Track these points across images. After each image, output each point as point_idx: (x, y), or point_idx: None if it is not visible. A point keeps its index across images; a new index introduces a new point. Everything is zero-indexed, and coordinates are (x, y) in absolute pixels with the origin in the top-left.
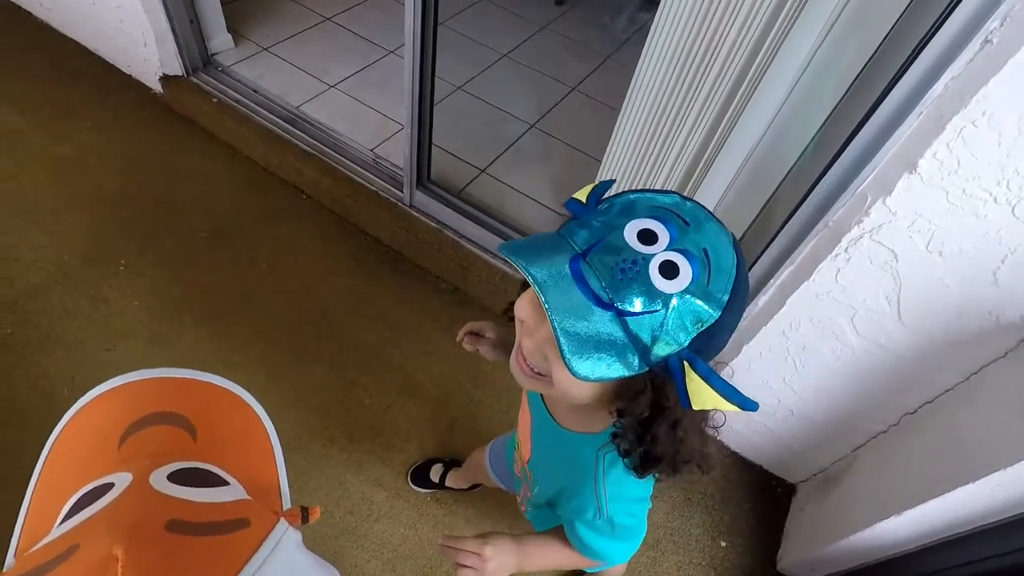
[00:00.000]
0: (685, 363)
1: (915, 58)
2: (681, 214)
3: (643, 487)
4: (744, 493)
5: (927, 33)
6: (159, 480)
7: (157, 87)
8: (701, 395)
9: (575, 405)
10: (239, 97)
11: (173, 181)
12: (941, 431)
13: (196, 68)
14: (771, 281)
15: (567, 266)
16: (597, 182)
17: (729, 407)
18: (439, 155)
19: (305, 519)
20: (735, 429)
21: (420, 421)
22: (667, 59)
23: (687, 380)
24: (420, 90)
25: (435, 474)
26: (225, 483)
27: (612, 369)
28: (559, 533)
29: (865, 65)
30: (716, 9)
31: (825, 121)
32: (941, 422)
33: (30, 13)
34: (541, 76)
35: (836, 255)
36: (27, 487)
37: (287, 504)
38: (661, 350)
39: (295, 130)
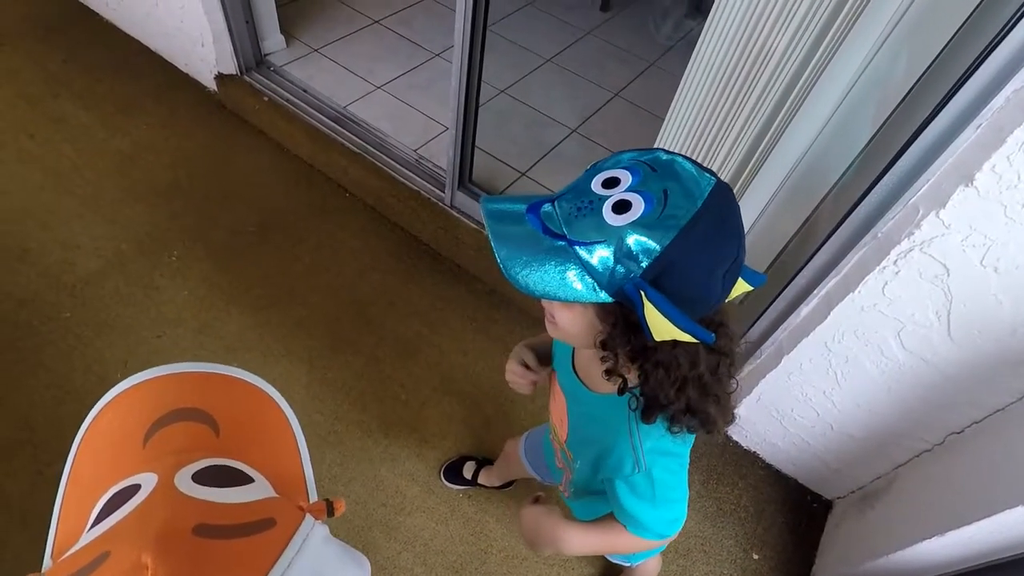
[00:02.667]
0: (642, 293)
1: (975, 69)
2: (650, 163)
3: (676, 441)
4: (779, 507)
5: (989, 44)
6: (184, 481)
7: (212, 85)
8: (658, 323)
9: (590, 357)
10: (289, 96)
11: (224, 176)
12: (989, 452)
13: (249, 68)
14: (815, 291)
15: (525, 206)
16: None
17: (686, 337)
18: (481, 157)
19: (331, 512)
20: (771, 442)
21: (455, 418)
22: (714, 68)
23: (645, 310)
24: (466, 92)
25: (468, 471)
26: (250, 480)
27: (564, 289)
28: (600, 519)
29: (921, 75)
30: (767, 19)
31: (877, 131)
32: (989, 442)
33: (96, 12)
34: (584, 81)
35: (884, 267)
36: (58, 485)
37: (313, 495)
38: (617, 278)
39: (342, 129)
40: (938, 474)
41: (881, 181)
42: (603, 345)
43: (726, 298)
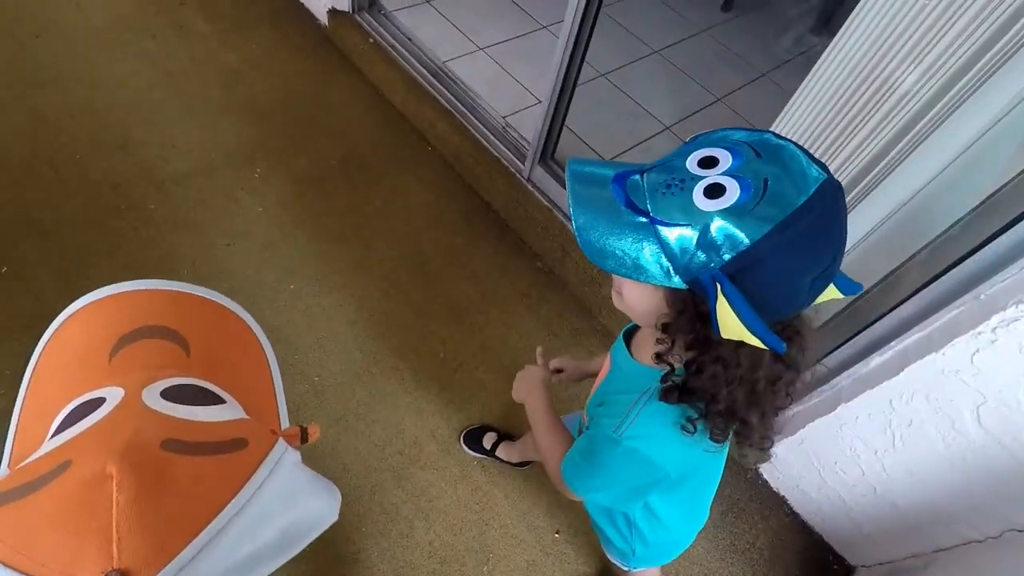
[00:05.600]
0: (718, 285)
1: None
2: (756, 145)
3: (671, 446)
4: (796, 558)
5: None
6: (153, 397)
7: (323, 19)
8: (728, 321)
9: (648, 335)
10: (393, 42)
11: (318, 107)
12: None
13: (361, 8)
14: (892, 343)
15: (612, 173)
16: None
17: (754, 341)
18: (568, 137)
19: (304, 439)
20: (803, 489)
21: (487, 387)
22: (831, 90)
23: (718, 304)
24: (567, 68)
25: (488, 441)
26: (221, 401)
27: (637, 268)
28: (565, 432)
29: None
30: (898, 51)
31: (1003, 186)
32: None
33: None
34: (689, 80)
35: (980, 333)
36: (16, 395)
37: (284, 421)
38: (695, 265)
39: (438, 84)
40: (983, 571)
41: (997, 239)
42: (664, 328)
43: (810, 304)
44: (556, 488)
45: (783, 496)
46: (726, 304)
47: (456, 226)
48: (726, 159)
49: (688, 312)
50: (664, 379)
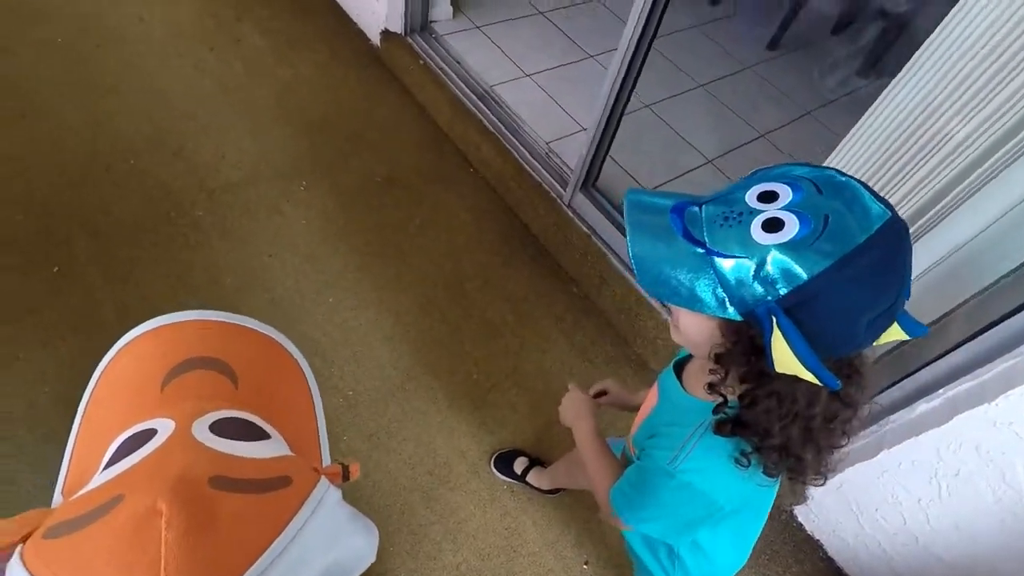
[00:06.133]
0: (773, 319)
1: None
2: (819, 181)
3: (726, 480)
4: None
5: None
6: (202, 431)
7: (376, 39)
8: (783, 355)
9: (701, 366)
10: (442, 65)
11: (366, 124)
12: None
13: (414, 30)
14: (940, 391)
15: (671, 203)
16: None
17: (809, 376)
18: (610, 166)
19: (346, 477)
20: (840, 535)
21: (519, 410)
22: (881, 138)
23: (773, 338)
24: (616, 98)
25: (519, 466)
26: (266, 435)
27: (693, 298)
28: (614, 459)
29: None
30: (950, 104)
31: None
32: None
33: None
34: (732, 115)
35: None
36: (73, 422)
37: (326, 457)
38: (751, 298)
39: (483, 107)
40: None
41: None
42: (717, 358)
43: (870, 344)
44: (603, 516)
45: (818, 540)
46: (781, 338)
47: (495, 247)
48: (786, 194)
49: (743, 344)
50: (716, 410)
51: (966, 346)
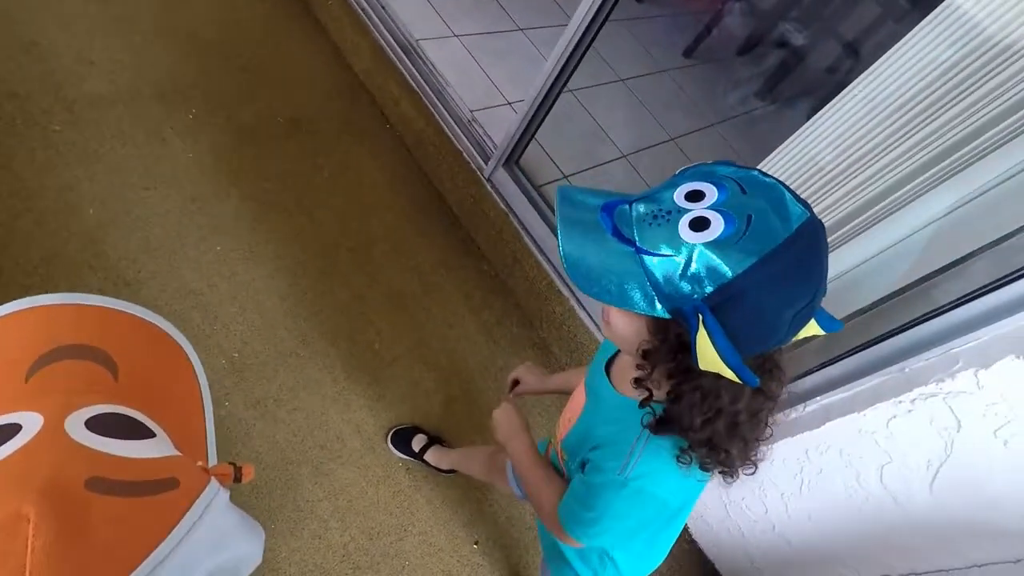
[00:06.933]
0: (699, 316)
1: None
2: (743, 181)
3: (673, 479)
4: None
5: None
6: (76, 427)
7: None
8: (707, 352)
9: (629, 362)
10: (365, 6)
11: (271, 56)
12: None
13: None
14: (818, 398)
15: (601, 202)
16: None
17: (729, 374)
18: (531, 146)
19: (238, 479)
20: (707, 520)
21: (421, 386)
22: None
23: (698, 335)
24: (556, 77)
25: (417, 444)
26: (151, 434)
27: (622, 296)
28: (555, 475)
29: (1009, 235)
30: (855, 153)
31: (943, 269)
32: None
33: None
34: (647, 114)
35: (900, 401)
36: None
37: (213, 456)
38: (678, 295)
39: (407, 60)
40: None
41: (931, 320)
42: (644, 355)
43: (791, 339)
44: (549, 530)
45: (686, 525)
46: (706, 336)
47: (407, 213)
48: (712, 193)
49: (670, 341)
50: (642, 404)
51: (845, 359)
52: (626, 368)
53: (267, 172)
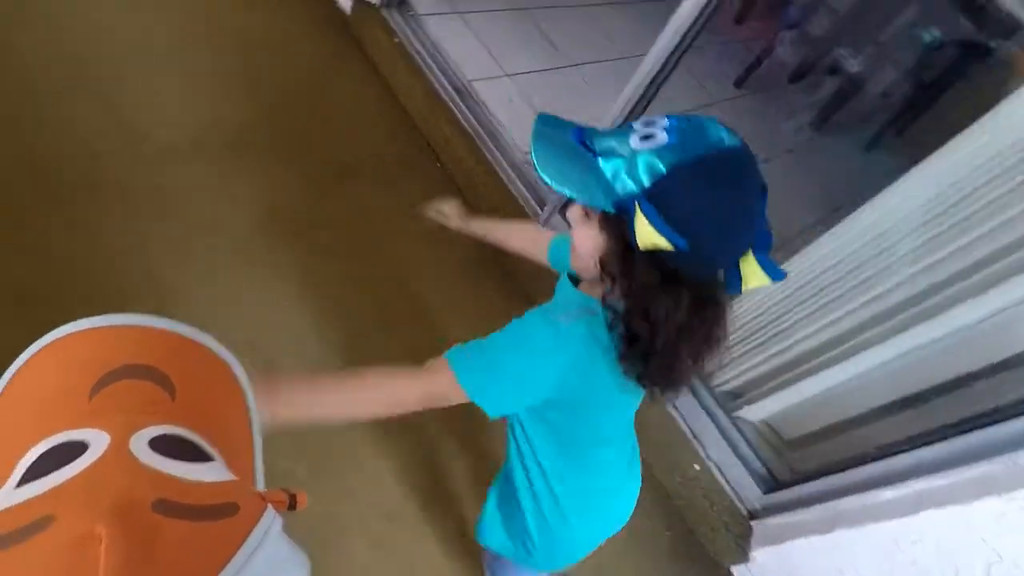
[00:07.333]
0: (637, 204)
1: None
2: (690, 118)
3: (584, 352)
4: None
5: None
6: (140, 447)
7: (348, 6)
8: (642, 230)
9: (590, 285)
10: (419, 48)
11: (327, 99)
12: None
13: (390, 3)
14: (910, 480)
15: (573, 127)
16: None
17: (665, 245)
18: None
19: (292, 506)
20: None
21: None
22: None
23: (636, 219)
24: (626, 119)
25: None
26: (209, 457)
27: (583, 187)
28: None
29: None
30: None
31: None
32: None
33: None
34: None
35: (1013, 498)
36: None
37: (260, 483)
38: (623, 191)
39: (460, 101)
40: None
41: None
42: (602, 265)
43: (731, 268)
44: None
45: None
46: (642, 216)
47: (461, 268)
48: (663, 121)
49: (618, 241)
50: (604, 301)
51: (940, 444)
52: (586, 288)
53: (326, 219)
